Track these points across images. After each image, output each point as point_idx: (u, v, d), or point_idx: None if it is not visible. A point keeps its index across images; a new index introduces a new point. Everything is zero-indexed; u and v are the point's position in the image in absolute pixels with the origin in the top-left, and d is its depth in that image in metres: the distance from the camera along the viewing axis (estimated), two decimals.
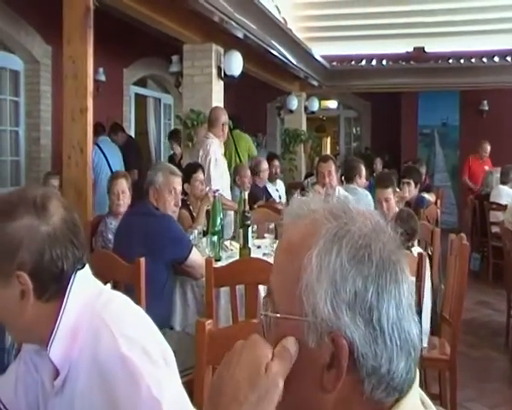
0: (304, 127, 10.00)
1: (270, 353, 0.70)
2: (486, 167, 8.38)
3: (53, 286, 1.16)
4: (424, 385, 3.42)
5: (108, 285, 1.31)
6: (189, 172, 4.26)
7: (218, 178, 4.72)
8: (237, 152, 7.00)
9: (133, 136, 8.26)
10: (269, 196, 6.11)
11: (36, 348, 1.26)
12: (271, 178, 6.50)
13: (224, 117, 4.92)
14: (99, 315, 1.18)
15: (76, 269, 1.20)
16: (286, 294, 0.72)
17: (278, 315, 0.72)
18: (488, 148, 8.94)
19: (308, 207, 0.76)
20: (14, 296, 1.15)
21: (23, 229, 1.14)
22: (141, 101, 9.09)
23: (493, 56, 9.28)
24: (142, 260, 2.63)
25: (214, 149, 4.79)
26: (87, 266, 1.25)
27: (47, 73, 6.52)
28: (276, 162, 6.85)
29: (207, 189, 4.07)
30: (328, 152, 14.16)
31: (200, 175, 4.26)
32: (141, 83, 8.97)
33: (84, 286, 1.22)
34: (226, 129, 4.94)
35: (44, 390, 1.24)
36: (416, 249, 3.39)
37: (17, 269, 1.13)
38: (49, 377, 1.22)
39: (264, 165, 6.18)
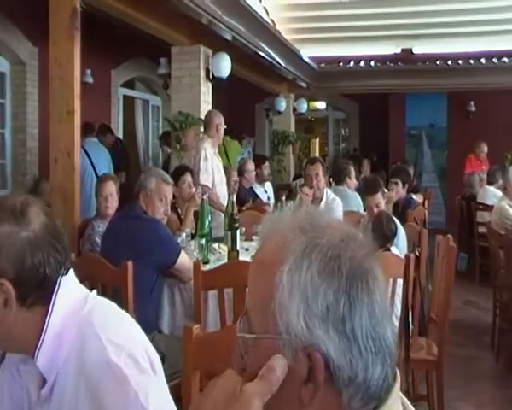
0: (292, 128, 10.03)
1: (242, 382, 0.71)
2: (483, 167, 8.43)
3: (36, 292, 1.15)
4: (412, 386, 3.45)
5: (94, 292, 1.29)
6: (177, 174, 4.25)
7: (206, 172, 4.70)
8: (227, 157, 7.05)
9: (121, 137, 8.23)
10: (255, 197, 6.10)
11: (21, 355, 1.24)
12: (260, 180, 6.50)
13: (218, 119, 4.90)
14: (86, 321, 1.17)
15: (61, 274, 1.19)
16: (260, 313, 0.72)
17: (253, 336, 0.73)
18: (485, 147, 8.98)
19: (278, 224, 0.76)
20: None
21: (2, 236, 1.12)
22: (129, 102, 9.06)
23: (480, 58, 9.37)
24: (130, 263, 2.61)
25: (205, 147, 4.80)
26: (71, 271, 1.24)
27: (33, 75, 6.47)
28: (266, 164, 6.86)
29: (194, 190, 4.07)
30: (317, 153, 14.22)
31: (188, 177, 4.25)
32: (129, 84, 8.94)
33: (70, 292, 1.20)
34: (221, 130, 4.91)
35: (30, 399, 1.22)
36: (394, 249, 3.42)
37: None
38: (35, 386, 1.21)
39: (251, 165, 6.19)
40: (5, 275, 1.12)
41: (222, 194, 4.87)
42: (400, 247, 3.59)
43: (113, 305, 1.29)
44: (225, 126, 5.00)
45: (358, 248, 0.73)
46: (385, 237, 3.39)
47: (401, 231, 3.71)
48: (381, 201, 4.04)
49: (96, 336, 1.14)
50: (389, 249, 3.37)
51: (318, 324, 0.68)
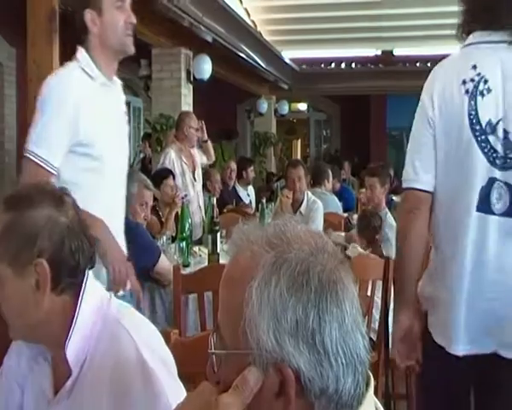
0: (274, 130, 10.05)
1: (216, 392, 0.72)
2: None
3: (68, 279, 1.16)
4: (392, 385, 3.47)
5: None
6: (160, 177, 4.22)
7: None
8: (223, 159, 7.10)
9: None
10: (238, 199, 6.10)
11: (31, 354, 1.23)
12: (244, 183, 6.49)
13: (187, 120, 4.73)
14: (115, 321, 1.18)
15: (89, 267, 1.20)
16: (231, 328, 0.73)
17: (224, 352, 0.74)
18: None
19: (247, 238, 0.76)
20: (28, 288, 1.13)
21: (44, 218, 1.14)
22: None
23: None
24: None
25: (167, 151, 4.72)
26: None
27: (11, 76, 6.37)
28: (252, 168, 6.84)
29: (175, 194, 4.05)
30: (299, 154, 14.26)
31: (170, 181, 4.20)
32: None
33: (94, 286, 1.22)
34: (191, 132, 4.70)
35: (42, 400, 1.21)
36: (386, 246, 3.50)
37: (37, 257, 1.12)
38: (47, 384, 1.20)
39: (232, 165, 6.20)
40: (43, 255, 1.13)
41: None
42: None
43: (133, 309, 1.30)
44: (196, 127, 4.75)
45: (327, 261, 0.73)
46: (373, 229, 3.53)
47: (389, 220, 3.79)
48: (376, 185, 4.17)
49: (129, 337, 1.15)
50: (379, 243, 3.47)
51: (288, 339, 0.69)
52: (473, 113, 1.63)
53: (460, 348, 1.62)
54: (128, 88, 9.47)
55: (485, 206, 1.60)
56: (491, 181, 1.61)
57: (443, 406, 1.73)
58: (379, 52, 9.42)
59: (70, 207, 1.19)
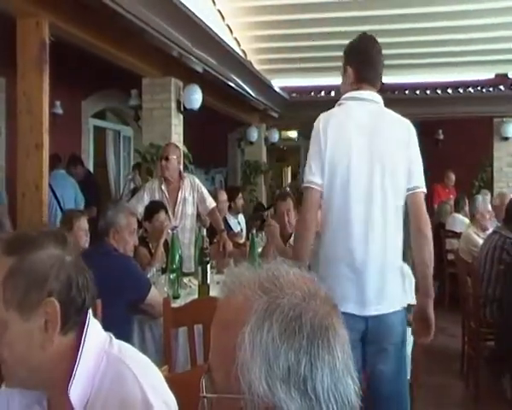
0: (264, 158, 10.06)
1: None
2: (451, 196, 8.58)
3: (74, 317, 1.16)
4: None
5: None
6: (151, 211, 4.18)
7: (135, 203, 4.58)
8: None
9: (92, 169, 8.13)
10: (229, 228, 6.07)
11: (26, 401, 1.20)
12: (234, 212, 6.47)
13: (164, 151, 4.71)
14: (120, 360, 1.17)
15: (91, 305, 1.20)
16: (223, 372, 0.73)
17: (216, 396, 0.73)
18: (453, 177, 9.16)
19: (239, 280, 0.77)
20: (36, 329, 1.12)
21: (51, 258, 1.14)
22: (100, 133, 8.99)
23: (447, 88, 9.62)
24: (99, 301, 2.57)
25: (152, 181, 4.79)
26: None
27: (0, 107, 6.38)
28: (240, 196, 6.80)
29: (164, 225, 4.02)
30: (289, 181, 14.30)
31: (161, 215, 4.13)
32: (100, 115, 8.89)
33: (96, 326, 1.21)
34: (163, 163, 4.60)
35: None
36: None
37: (47, 296, 1.12)
38: None
39: (222, 196, 6.15)
40: (53, 295, 1.12)
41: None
42: None
43: (133, 348, 1.29)
44: (164, 157, 4.63)
45: (320, 307, 0.74)
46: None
47: None
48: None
49: (134, 379, 1.14)
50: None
51: (280, 385, 0.69)
52: None
53: None
54: (118, 117, 9.51)
55: None
56: None
57: None
58: None
59: (72, 245, 1.21)
